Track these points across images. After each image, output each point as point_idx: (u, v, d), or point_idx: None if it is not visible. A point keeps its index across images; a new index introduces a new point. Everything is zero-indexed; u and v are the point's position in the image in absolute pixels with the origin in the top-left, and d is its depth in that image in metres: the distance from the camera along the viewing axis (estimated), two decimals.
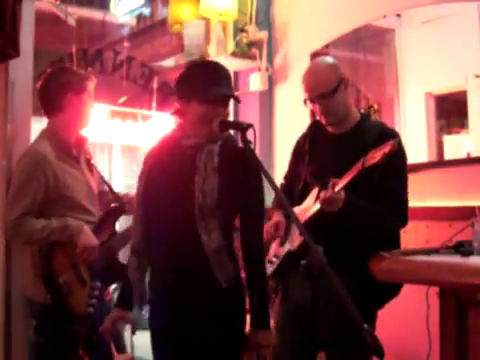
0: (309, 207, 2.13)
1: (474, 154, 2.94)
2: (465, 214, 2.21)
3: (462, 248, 1.94)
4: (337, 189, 1.96)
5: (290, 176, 2.40)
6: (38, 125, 2.50)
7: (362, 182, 1.97)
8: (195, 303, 1.83)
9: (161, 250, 1.89)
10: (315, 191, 2.14)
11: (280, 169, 3.76)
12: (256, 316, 1.88)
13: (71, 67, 2.62)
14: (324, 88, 2.12)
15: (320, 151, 2.23)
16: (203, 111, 1.84)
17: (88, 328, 2.38)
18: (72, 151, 2.43)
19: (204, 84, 1.84)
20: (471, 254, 1.90)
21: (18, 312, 2.55)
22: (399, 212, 2.08)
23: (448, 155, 3.04)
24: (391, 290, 2.10)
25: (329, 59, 2.28)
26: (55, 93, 2.39)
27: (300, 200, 2.21)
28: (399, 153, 2.08)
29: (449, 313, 1.84)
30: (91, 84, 2.47)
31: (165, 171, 1.90)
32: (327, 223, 2.03)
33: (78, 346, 2.38)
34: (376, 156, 1.87)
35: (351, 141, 2.13)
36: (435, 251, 1.99)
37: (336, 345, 2.09)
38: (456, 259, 1.88)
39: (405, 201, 2.10)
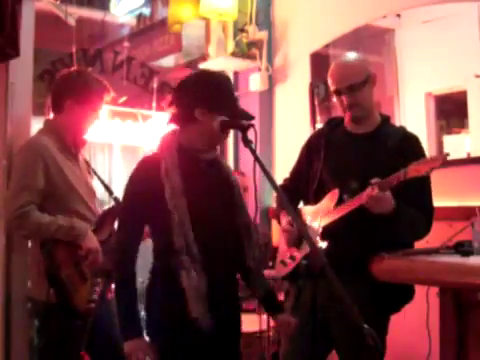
0: (329, 209, 2.09)
1: (474, 154, 2.94)
2: (465, 214, 2.22)
3: (462, 248, 1.94)
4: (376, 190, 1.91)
5: (298, 172, 2.35)
6: (38, 125, 2.50)
7: (397, 190, 1.94)
8: None
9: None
10: (335, 192, 2.08)
11: (280, 169, 3.77)
12: (276, 304, 2.04)
13: (89, 73, 2.55)
14: (353, 79, 2.10)
15: (338, 150, 2.19)
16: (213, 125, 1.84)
17: (90, 326, 2.39)
18: (71, 149, 2.43)
19: (232, 99, 1.88)
20: (471, 254, 1.90)
21: (18, 312, 2.55)
22: (428, 223, 2.07)
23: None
24: (406, 295, 2.09)
25: (357, 55, 2.25)
26: (57, 94, 2.42)
27: (315, 199, 2.18)
28: None
29: (449, 313, 1.84)
30: (103, 97, 2.44)
31: (196, 189, 1.85)
32: (353, 226, 2.02)
33: (81, 346, 2.39)
34: (421, 169, 1.84)
35: (373, 143, 2.11)
36: (435, 251, 1.99)
37: (343, 345, 2.10)
38: (456, 259, 1.88)
39: (433, 211, 2.09)
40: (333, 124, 2.27)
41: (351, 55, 2.22)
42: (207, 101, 1.83)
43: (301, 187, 2.28)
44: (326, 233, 2.08)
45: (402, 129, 2.20)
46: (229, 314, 1.96)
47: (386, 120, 2.21)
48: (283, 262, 2.26)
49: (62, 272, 2.23)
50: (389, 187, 1.91)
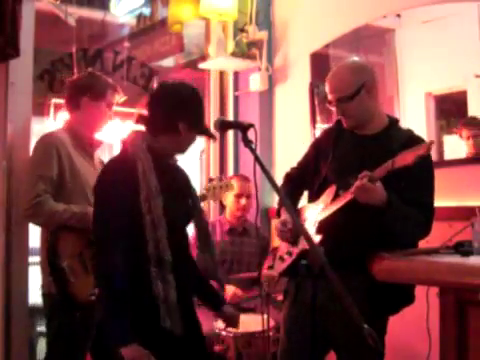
0: (326, 203, 2.11)
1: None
2: (465, 214, 2.21)
3: (462, 248, 1.94)
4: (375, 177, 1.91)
5: (305, 165, 2.38)
6: (38, 125, 2.52)
7: (390, 186, 1.94)
8: None
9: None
10: (332, 189, 2.12)
11: (280, 169, 3.77)
12: (219, 298, 2.17)
13: (101, 75, 2.68)
14: (341, 93, 2.12)
15: (344, 150, 2.21)
16: (193, 138, 1.96)
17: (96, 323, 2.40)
18: (86, 146, 2.54)
19: (202, 115, 1.97)
20: (471, 254, 1.90)
21: (18, 312, 2.55)
22: (427, 223, 2.06)
23: (448, 155, 3.04)
24: (405, 298, 2.09)
25: (355, 61, 2.25)
26: (74, 93, 2.53)
27: (317, 197, 2.20)
28: (429, 159, 2.07)
29: (449, 313, 1.84)
30: (115, 96, 2.59)
31: (169, 191, 1.90)
32: (348, 222, 2.03)
33: (85, 340, 2.40)
34: (408, 158, 1.83)
35: (377, 145, 2.11)
36: (435, 251, 1.99)
37: (342, 345, 2.10)
38: (456, 259, 1.88)
39: (433, 214, 2.07)
40: (342, 124, 2.26)
41: (348, 63, 2.22)
42: (191, 118, 1.91)
43: (307, 178, 2.32)
44: (322, 228, 2.09)
45: (409, 132, 2.18)
46: (194, 317, 2.02)
47: (394, 123, 2.21)
48: (281, 258, 2.28)
49: (63, 261, 2.28)
50: (379, 178, 1.92)
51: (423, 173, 2.03)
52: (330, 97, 2.16)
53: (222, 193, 2.72)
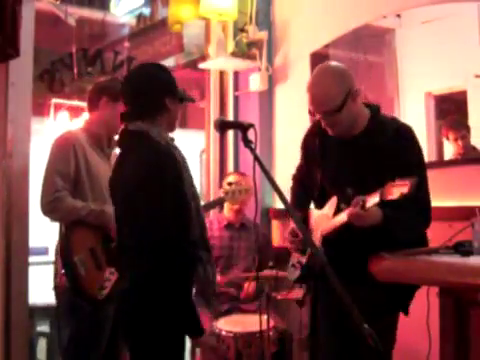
0: (328, 217, 2.09)
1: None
2: (465, 214, 2.21)
3: (462, 248, 1.94)
4: (368, 206, 1.84)
5: (302, 169, 2.38)
6: (38, 125, 2.52)
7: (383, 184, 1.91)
8: None
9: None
10: (334, 200, 2.08)
11: (280, 169, 3.78)
12: None
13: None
14: (328, 107, 1.99)
15: (333, 154, 2.13)
16: (177, 111, 2.02)
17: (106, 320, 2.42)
18: (103, 146, 2.57)
19: (176, 83, 2.02)
20: (471, 254, 1.90)
21: (18, 312, 2.56)
22: (425, 216, 2.03)
23: (448, 155, 3.05)
24: (408, 293, 2.09)
25: (335, 68, 2.08)
26: (94, 93, 2.59)
27: (320, 204, 2.18)
28: (419, 152, 2.04)
29: (449, 313, 1.85)
30: None
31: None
32: (350, 237, 2.00)
33: (101, 338, 2.42)
34: (394, 193, 1.75)
35: (364, 143, 2.04)
36: (435, 251, 1.99)
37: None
38: (456, 259, 1.88)
39: (430, 203, 2.04)
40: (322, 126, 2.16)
41: (327, 72, 2.07)
42: (173, 89, 1.98)
43: (306, 181, 2.32)
44: (325, 241, 2.09)
45: (394, 123, 2.09)
46: None
47: (376, 114, 2.10)
48: (293, 266, 2.27)
49: (75, 255, 2.32)
50: (370, 208, 1.86)
51: (413, 170, 1.99)
52: (314, 109, 2.04)
53: (241, 197, 2.71)
